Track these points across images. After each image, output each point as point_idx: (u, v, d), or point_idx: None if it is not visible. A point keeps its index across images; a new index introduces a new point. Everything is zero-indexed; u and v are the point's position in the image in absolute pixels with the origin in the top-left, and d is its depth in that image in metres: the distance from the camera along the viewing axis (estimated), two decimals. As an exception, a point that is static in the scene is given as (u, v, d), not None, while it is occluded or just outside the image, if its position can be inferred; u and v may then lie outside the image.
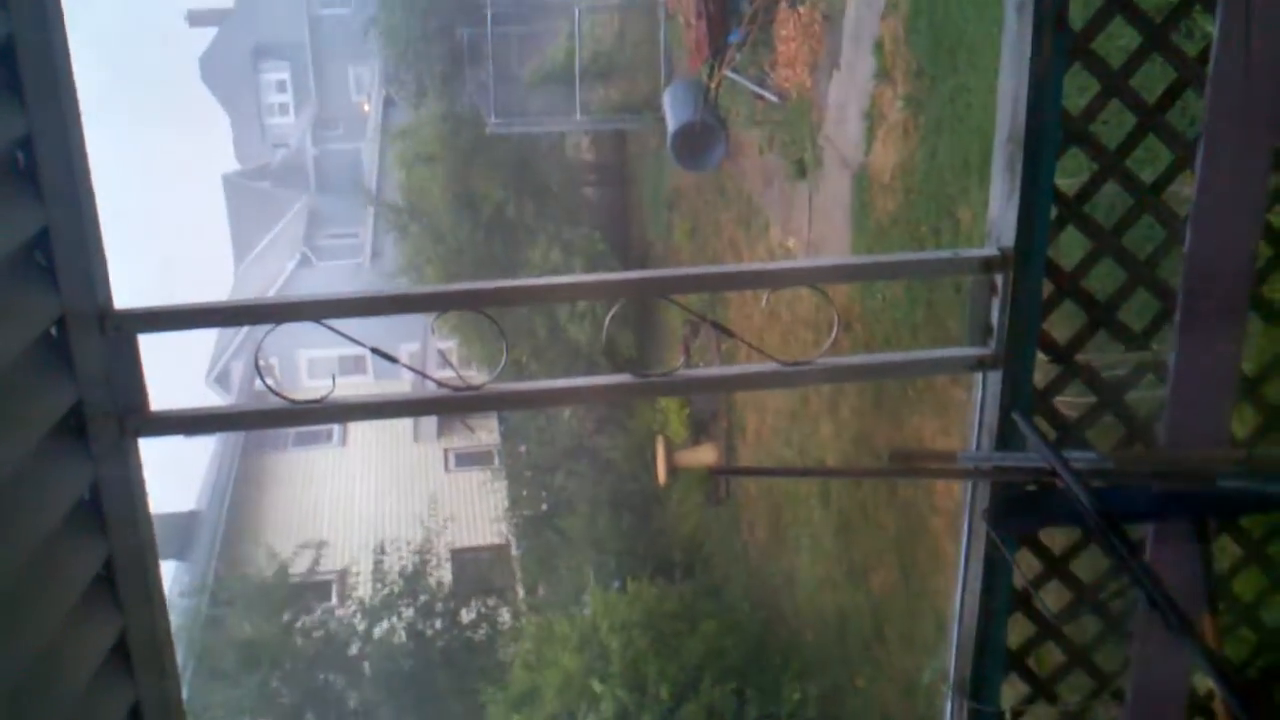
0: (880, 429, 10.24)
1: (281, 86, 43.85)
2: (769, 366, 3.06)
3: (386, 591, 17.57)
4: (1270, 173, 2.95)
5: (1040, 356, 3.14)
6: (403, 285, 19.60)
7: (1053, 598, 3.37)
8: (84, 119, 2.60)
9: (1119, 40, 3.18)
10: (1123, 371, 3.25)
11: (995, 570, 3.24)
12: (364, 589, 18.13)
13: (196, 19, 43.94)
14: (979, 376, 3.16)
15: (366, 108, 38.03)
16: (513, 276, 17.95)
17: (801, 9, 11.71)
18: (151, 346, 2.85)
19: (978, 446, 3.20)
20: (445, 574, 19.27)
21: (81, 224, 2.58)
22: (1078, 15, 2.92)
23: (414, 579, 17.78)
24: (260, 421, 3.16)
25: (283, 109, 44.42)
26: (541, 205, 18.37)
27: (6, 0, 2.37)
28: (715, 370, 3.28)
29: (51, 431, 2.57)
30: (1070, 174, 3.10)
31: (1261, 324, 3.23)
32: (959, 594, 3.33)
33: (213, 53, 43.57)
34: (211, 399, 31.58)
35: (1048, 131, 2.92)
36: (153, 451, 2.95)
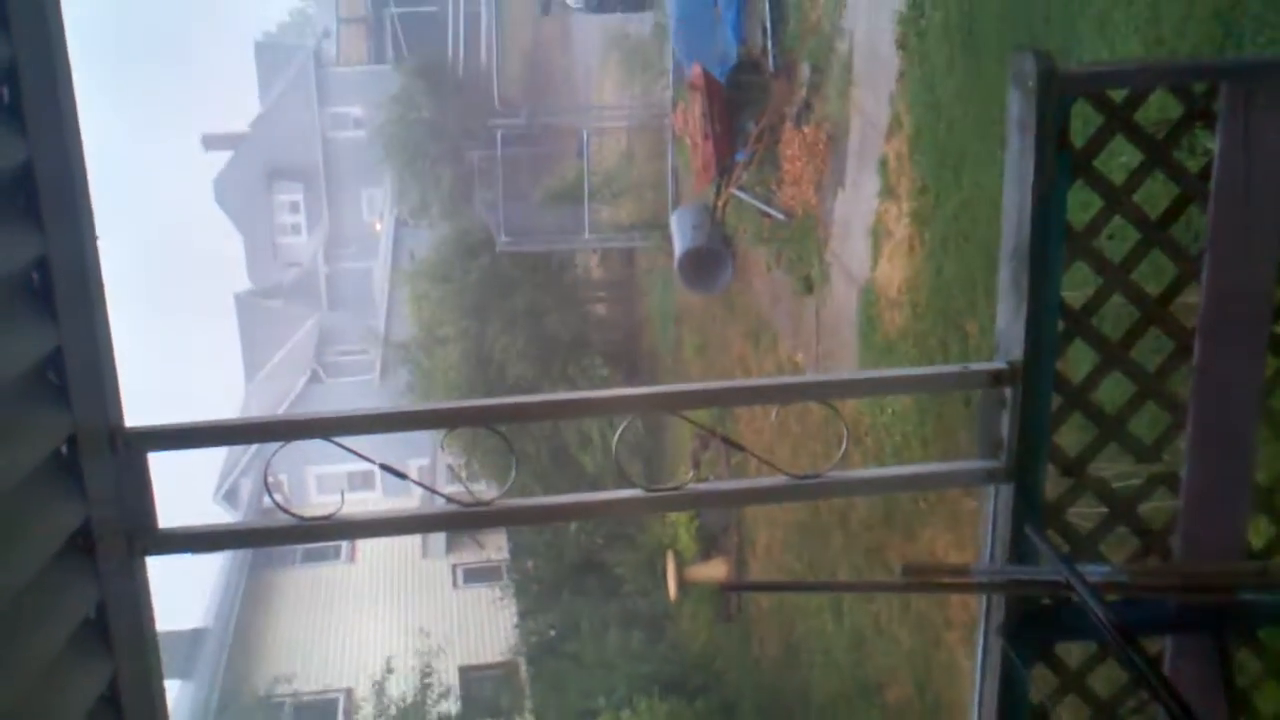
0: (892, 541, 10.15)
1: (295, 207, 44.47)
2: (779, 480, 3.05)
3: (394, 713, 17.28)
4: (1276, 286, 2.97)
5: (1051, 469, 3.13)
6: (412, 402, 19.66)
7: (1070, 713, 3.31)
8: (99, 239, 2.64)
9: (1120, 156, 3.23)
10: (1135, 484, 3.23)
11: (1012, 685, 3.18)
12: (370, 709, 17.83)
13: (211, 143, 44.75)
14: (991, 489, 3.15)
15: (378, 227, 38.57)
16: (523, 386, 18.05)
17: (806, 129, 11.91)
18: (160, 462, 2.85)
19: (991, 560, 3.17)
20: (453, 693, 18.95)
21: (94, 343, 2.60)
22: (1079, 133, 2.97)
23: (420, 701, 17.48)
24: (269, 539, 3.14)
25: (295, 229, 44.99)
26: (550, 322, 18.50)
27: (25, 126, 2.42)
28: (725, 484, 3.27)
29: (60, 549, 2.56)
30: (1077, 286, 3.12)
31: (1272, 435, 3.22)
32: (975, 710, 3.27)
33: (227, 175, 44.29)
34: (219, 516, 31.46)
35: (1052, 247, 2.94)
36: (159, 566, 2.94)
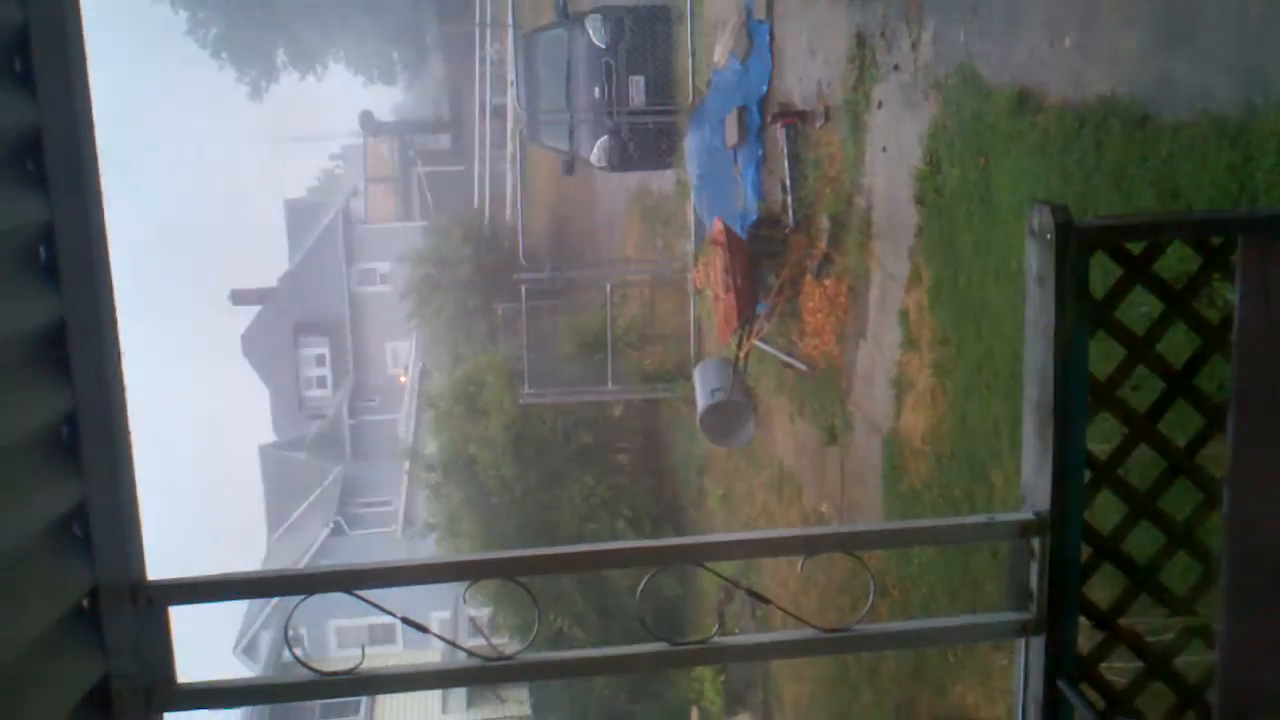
0: (922, 696, 9.91)
1: (320, 360, 44.98)
2: (806, 633, 3.00)
3: None
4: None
5: (1083, 621, 3.08)
6: (435, 553, 19.53)
7: None
8: (127, 394, 2.67)
9: (1141, 306, 3.25)
10: (1169, 636, 3.16)
11: None
12: None
13: (240, 298, 45.52)
14: (1021, 642, 3.09)
15: (403, 379, 38.88)
16: (547, 534, 17.93)
17: (827, 282, 12.04)
18: (180, 614, 2.84)
19: (1024, 716, 3.10)
20: None
21: (119, 498, 2.62)
22: (1098, 284, 2.99)
23: None
24: (288, 694, 3.10)
25: (320, 382, 45.43)
26: (575, 470, 18.48)
27: (59, 281, 2.48)
28: (750, 638, 3.23)
29: (77, 705, 2.54)
30: (1103, 435, 3.11)
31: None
32: None
33: (254, 329, 44.94)
34: (238, 668, 31.07)
35: (1076, 398, 2.94)
36: (178, 716, 2.90)
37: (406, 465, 29.20)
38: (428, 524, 20.49)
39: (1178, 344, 3.38)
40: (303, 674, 2.91)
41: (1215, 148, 6.15)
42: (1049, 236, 2.91)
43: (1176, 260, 3.24)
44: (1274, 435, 2.93)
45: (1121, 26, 7.02)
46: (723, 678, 15.60)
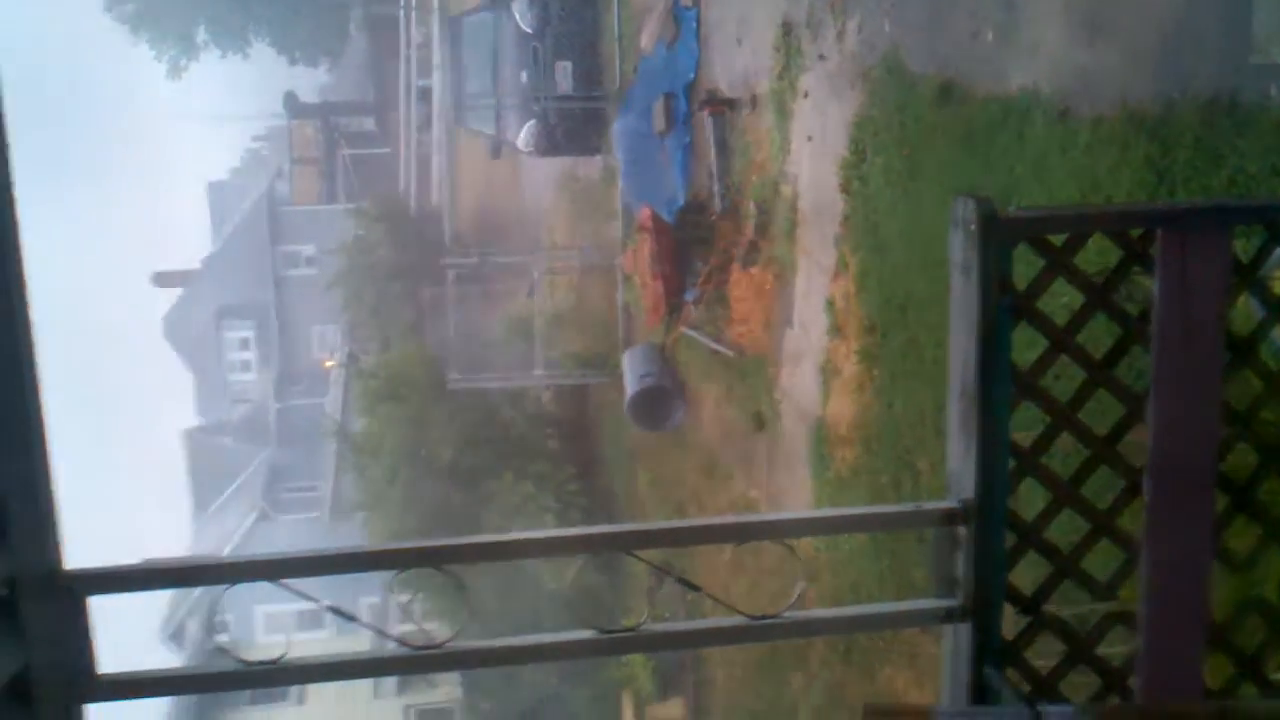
0: (851, 680, 10.03)
1: (245, 344, 44.32)
2: (736, 621, 3.02)
3: None
4: (1220, 424, 3.02)
5: (1009, 607, 3.13)
6: (361, 542, 19.36)
7: None
8: (42, 380, 2.61)
9: (1063, 297, 3.31)
10: (1092, 622, 3.22)
11: (975, 833, 3.12)
12: None
13: (162, 280, 44.69)
14: (949, 628, 3.13)
15: (328, 364, 38.44)
16: (474, 519, 17.84)
17: (754, 270, 12.10)
18: (103, 602, 2.78)
19: (952, 700, 3.14)
20: None
21: (35, 486, 2.56)
22: (1021, 275, 3.04)
23: None
24: (214, 684, 3.06)
25: (245, 366, 44.77)
26: (503, 455, 18.41)
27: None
28: (681, 625, 3.24)
29: (-6, 700, 2.49)
30: (1027, 424, 3.16)
31: (1226, 572, 3.24)
32: None
33: (177, 312, 44.18)
34: (164, 656, 30.59)
35: (999, 387, 2.98)
36: (101, 706, 2.85)
37: (334, 449, 28.91)
38: (355, 503, 20.29)
39: (1098, 334, 3.45)
40: (227, 663, 2.88)
41: (1134, 141, 6.27)
42: (972, 228, 2.94)
43: (1097, 254, 3.30)
44: (1192, 424, 2.99)
45: (1043, 20, 7.13)
46: (654, 662, 15.66)
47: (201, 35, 47.83)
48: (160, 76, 49.31)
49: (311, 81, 55.49)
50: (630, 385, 14.81)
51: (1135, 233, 3.08)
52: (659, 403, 14.65)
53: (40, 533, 2.60)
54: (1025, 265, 3.09)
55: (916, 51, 8.71)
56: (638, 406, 14.68)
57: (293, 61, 49.51)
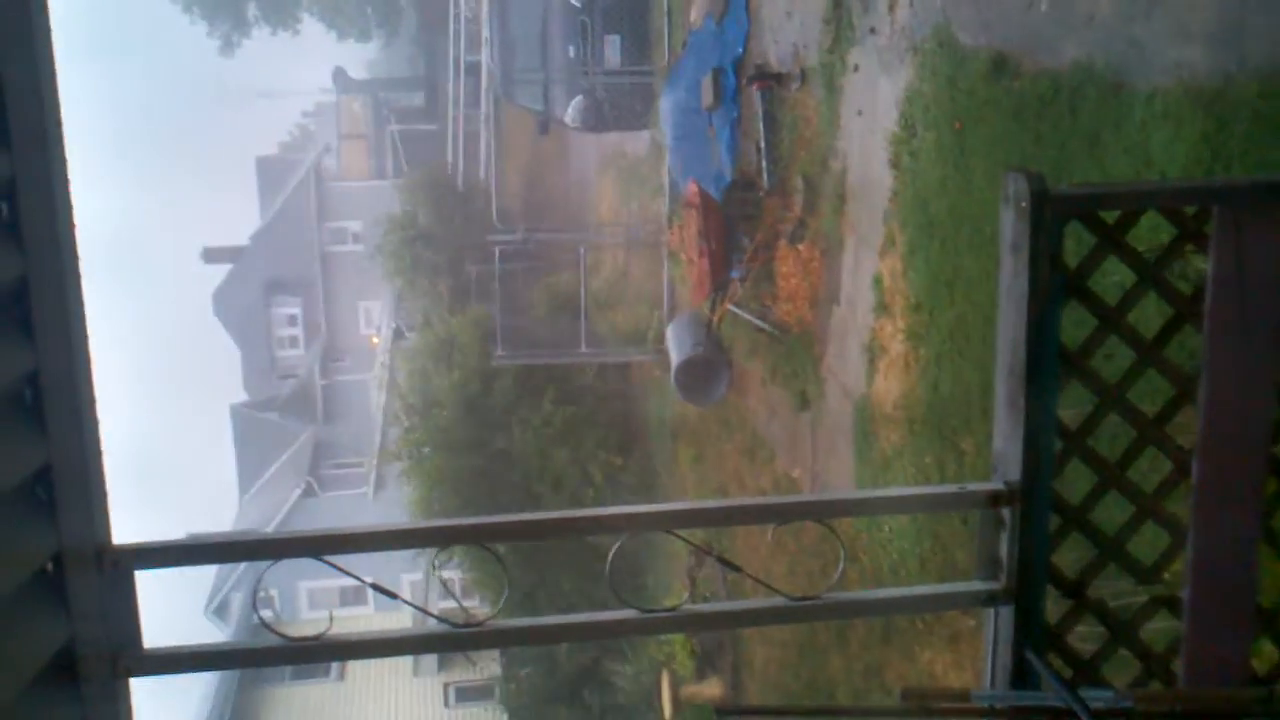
0: (891, 661, 9.99)
1: (292, 320, 44.73)
2: (776, 601, 3.01)
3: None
4: (1273, 406, 2.96)
5: (1052, 590, 3.09)
6: (404, 519, 19.53)
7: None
8: (93, 352, 2.63)
9: (1114, 275, 3.25)
10: (1136, 605, 3.18)
11: (1015, 818, 3.10)
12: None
13: (211, 256, 45.15)
14: (990, 611, 3.10)
15: (375, 340, 38.72)
16: (518, 498, 17.95)
17: (801, 246, 12.03)
18: (149, 576, 2.81)
19: (992, 684, 3.12)
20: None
21: (84, 460, 2.58)
22: (1072, 253, 2.98)
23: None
24: (256, 660, 3.09)
25: (292, 342, 45.19)
26: (547, 431, 18.47)
27: (22, 242, 2.43)
28: (720, 606, 3.23)
29: (41, 670, 2.51)
30: (1074, 404, 3.11)
31: (1274, 557, 3.18)
32: (979, 842, 3.18)
33: (226, 288, 44.62)
34: (209, 630, 31.02)
35: (1047, 367, 2.94)
36: (144, 680, 2.88)
37: (379, 425, 29.12)
38: (398, 476, 20.40)
39: (1150, 313, 3.39)
40: (271, 639, 2.90)
41: (1190, 115, 6.15)
42: (1023, 204, 2.89)
43: (1149, 229, 3.24)
44: (1244, 406, 2.94)
45: (1099, -7, 7.00)
46: (693, 642, 15.69)
47: (253, 11, 48.19)
48: (212, 53, 49.76)
49: (361, 57, 55.79)
50: (675, 355, 14.76)
51: (1190, 210, 3.03)
52: (704, 373, 14.57)
53: (88, 508, 2.63)
54: (1076, 242, 3.04)
55: (968, 24, 8.60)
56: (684, 375, 14.61)
57: (342, 37, 49.76)
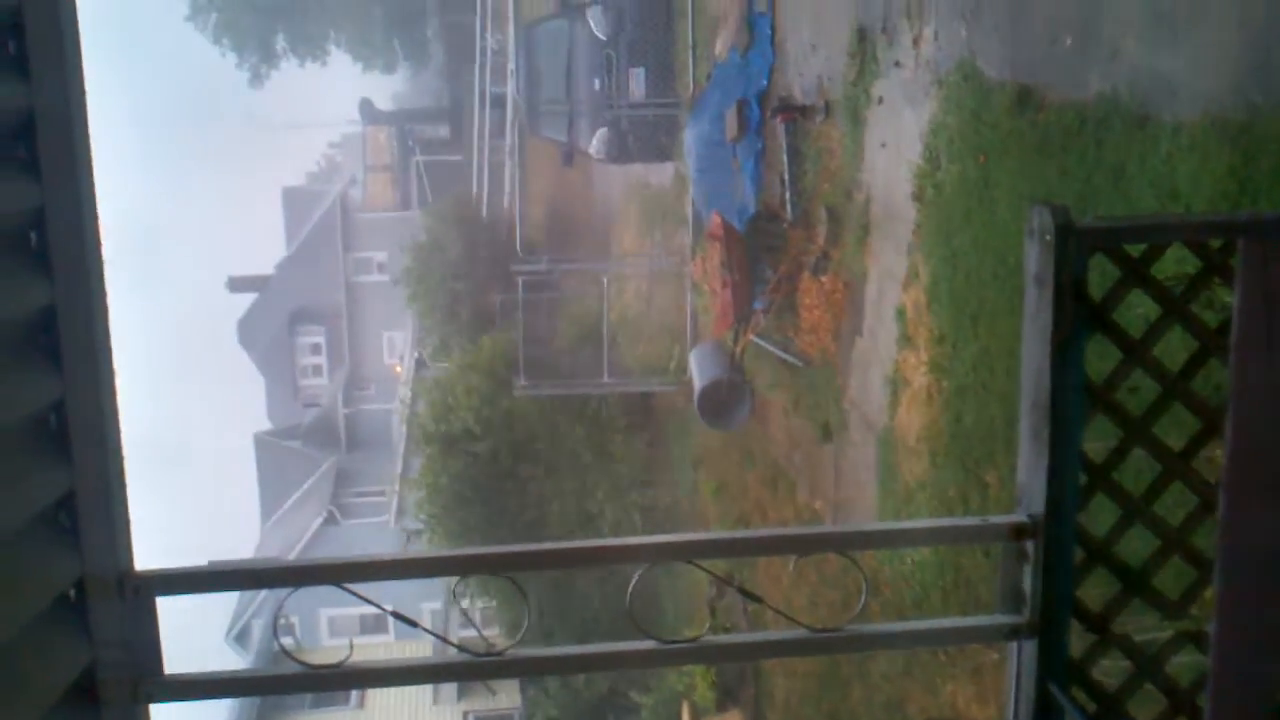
0: (913, 694, 9.91)
1: (316, 349, 44.97)
2: (797, 633, 2.99)
3: None
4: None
5: (1075, 624, 3.06)
6: (424, 548, 19.54)
7: None
8: (118, 382, 2.65)
9: (1138, 308, 3.24)
10: (1162, 640, 3.15)
11: None
12: None
13: (237, 285, 45.49)
14: (1014, 645, 3.08)
15: (398, 369, 38.85)
16: (535, 530, 17.93)
17: (824, 278, 12.02)
18: (170, 602, 2.82)
19: (1016, 718, 3.09)
20: None
21: (107, 488, 2.59)
22: (1096, 285, 2.97)
23: None
24: (276, 687, 3.09)
25: (316, 370, 45.42)
26: (567, 461, 18.47)
27: (50, 268, 2.46)
28: (741, 637, 3.22)
29: (62, 696, 2.52)
30: (1099, 437, 3.09)
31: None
32: None
33: (251, 317, 44.92)
34: (230, 657, 31.05)
35: (1072, 400, 2.93)
36: (164, 706, 2.88)
37: (401, 449, 29.13)
38: (418, 507, 20.44)
39: (1176, 346, 3.37)
40: (292, 667, 2.90)
41: (1215, 148, 6.13)
42: (1048, 238, 2.89)
43: (1175, 264, 3.22)
44: (1271, 441, 2.91)
45: (1123, 25, 7.00)
46: (714, 673, 15.60)
47: (281, 43, 48.71)
48: (242, 85, 50.31)
49: (387, 89, 56.24)
50: (698, 380, 14.74)
51: (1215, 243, 3.01)
52: (728, 396, 14.54)
53: (110, 534, 2.64)
54: (1100, 275, 3.03)
55: (993, 58, 8.61)
56: (707, 399, 14.57)
57: (369, 69, 50.24)
